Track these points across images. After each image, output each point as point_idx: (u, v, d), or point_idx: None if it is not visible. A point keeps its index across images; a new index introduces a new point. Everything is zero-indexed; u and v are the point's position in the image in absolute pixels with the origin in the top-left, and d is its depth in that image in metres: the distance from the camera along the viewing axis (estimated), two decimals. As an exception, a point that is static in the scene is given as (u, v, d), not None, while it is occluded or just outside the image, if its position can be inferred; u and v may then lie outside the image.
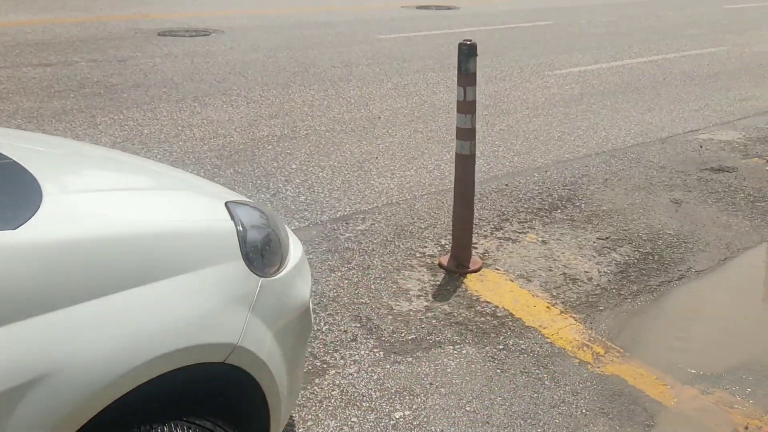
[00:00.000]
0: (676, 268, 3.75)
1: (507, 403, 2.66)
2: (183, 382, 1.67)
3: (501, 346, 3.02)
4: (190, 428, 1.69)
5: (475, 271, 3.62)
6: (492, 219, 4.29)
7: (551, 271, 3.68)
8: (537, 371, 2.86)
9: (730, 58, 10.12)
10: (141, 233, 1.69)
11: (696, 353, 3.05)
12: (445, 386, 2.74)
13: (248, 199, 2.24)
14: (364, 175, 4.99)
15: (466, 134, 3.46)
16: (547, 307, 3.34)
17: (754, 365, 2.93)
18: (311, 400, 2.63)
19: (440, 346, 2.99)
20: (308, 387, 2.70)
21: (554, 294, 3.45)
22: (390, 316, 3.20)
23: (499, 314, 3.26)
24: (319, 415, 2.55)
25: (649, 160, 5.52)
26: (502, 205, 4.50)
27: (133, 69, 7.94)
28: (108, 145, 5.38)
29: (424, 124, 6.24)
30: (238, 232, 1.92)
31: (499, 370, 2.86)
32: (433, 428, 2.51)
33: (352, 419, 2.54)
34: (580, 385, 2.78)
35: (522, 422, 2.57)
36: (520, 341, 3.06)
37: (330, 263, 3.67)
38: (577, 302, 3.39)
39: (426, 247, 3.89)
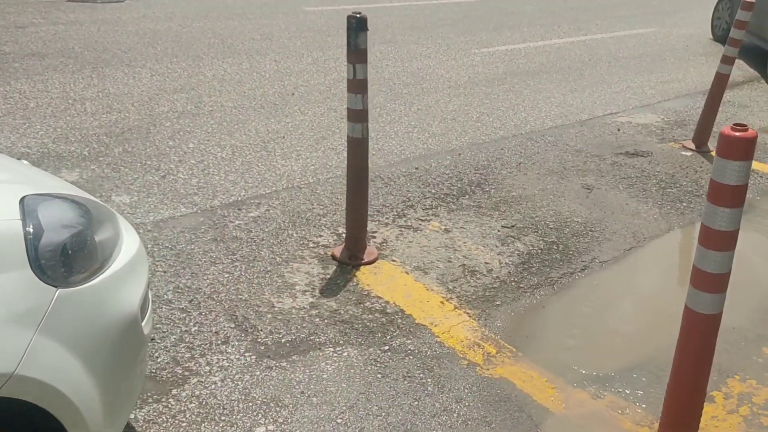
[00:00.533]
0: (579, 259, 3.60)
1: (384, 413, 2.44)
2: None
3: (386, 347, 2.80)
4: None
5: (370, 263, 3.39)
6: (396, 205, 4.06)
7: (450, 262, 3.47)
8: (421, 375, 2.65)
9: (657, 40, 10.13)
10: None
11: (590, 353, 2.89)
12: (318, 395, 2.50)
13: (68, 192, 1.92)
14: (266, 156, 4.68)
15: (358, 116, 3.19)
16: (441, 302, 3.14)
17: (648, 365, 2.80)
18: (163, 415, 2.35)
19: (320, 349, 2.75)
20: (162, 399, 2.42)
21: (450, 288, 3.25)
22: (270, 315, 2.94)
23: (389, 310, 3.04)
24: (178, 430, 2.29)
25: (566, 143, 5.38)
26: (408, 191, 4.28)
27: (32, 36, 7.39)
28: (-14, 119, 4.92)
29: (339, 102, 5.95)
30: (26, 234, 1.61)
31: (380, 375, 2.64)
32: (298, 444, 2.28)
33: (231, 428, 2.29)
34: (466, 391, 2.59)
35: (397, 435, 2.36)
36: (408, 341, 2.85)
37: (212, 255, 3.38)
38: (474, 297, 3.20)
39: (321, 236, 3.63)
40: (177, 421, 2.33)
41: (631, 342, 2.99)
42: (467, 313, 3.07)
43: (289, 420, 2.37)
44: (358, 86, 3.14)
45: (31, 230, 1.64)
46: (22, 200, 1.69)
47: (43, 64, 6.34)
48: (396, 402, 2.50)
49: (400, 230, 3.76)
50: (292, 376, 2.59)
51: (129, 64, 6.62)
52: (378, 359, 2.72)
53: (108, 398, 1.75)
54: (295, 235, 3.63)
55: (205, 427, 2.31)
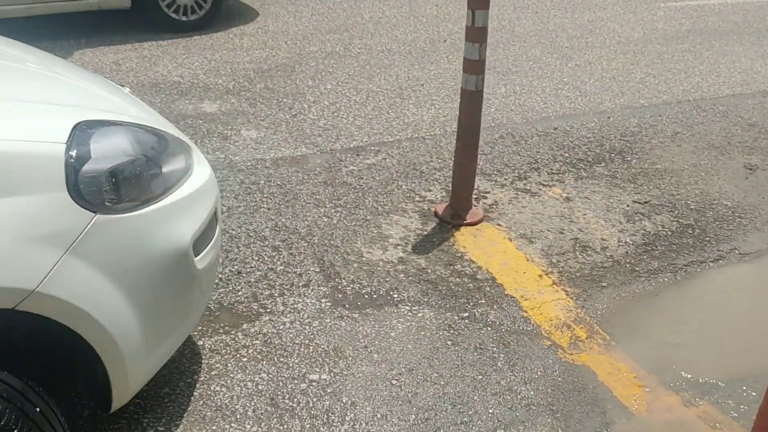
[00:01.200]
0: (716, 248, 3.18)
1: (442, 382, 2.33)
2: None
3: (465, 314, 2.66)
4: None
5: (473, 224, 3.22)
6: (519, 166, 3.82)
7: (562, 234, 3.21)
8: (494, 349, 2.49)
9: None
10: None
11: (697, 354, 2.56)
12: (381, 352, 2.44)
13: (130, 119, 1.94)
14: (399, 103, 4.59)
15: (474, 66, 3.00)
16: (539, 276, 2.92)
17: (763, 379, 2.43)
18: (228, 347, 2.42)
19: (396, 305, 2.68)
20: (232, 332, 2.49)
21: (554, 261, 3.02)
22: (356, 264, 2.91)
23: (479, 276, 2.88)
24: (229, 365, 2.34)
25: (739, 115, 4.74)
26: (538, 152, 4.00)
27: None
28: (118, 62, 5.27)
29: (492, 52, 5.69)
30: (67, 159, 1.64)
31: (450, 342, 2.52)
32: (343, 399, 2.24)
33: (261, 375, 2.31)
34: (539, 373, 2.40)
35: (449, 407, 2.24)
36: (491, 311, 2.69)
37: (318, 197, 3.39)
38: (578, 274, 2.94)
39: (430, 191, 3.51)
40: (239, 355, 2.39)
41: (749, 350, 2.60)
42: (565, 291, 2.84)
43: (344, 372, 2.34)
44: (476, 34, 2.94)
45: (74, 155, 1.68)
46: (76, 125, 1.74)
47: None
48: (459, 372, 2.38)
49: (516, 193, 3.54)
50: (360, 329, 2.55)
51: (293, 2, 6.78)
52: (453, 325, 2.60)
53: (148, 328, 1.80)
54: (404, 186, 3.54)
55: (262, 366, 2.35)
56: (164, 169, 1.91)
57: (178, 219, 1.88)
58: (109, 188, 1.72)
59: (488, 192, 3.54)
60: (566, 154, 4.00)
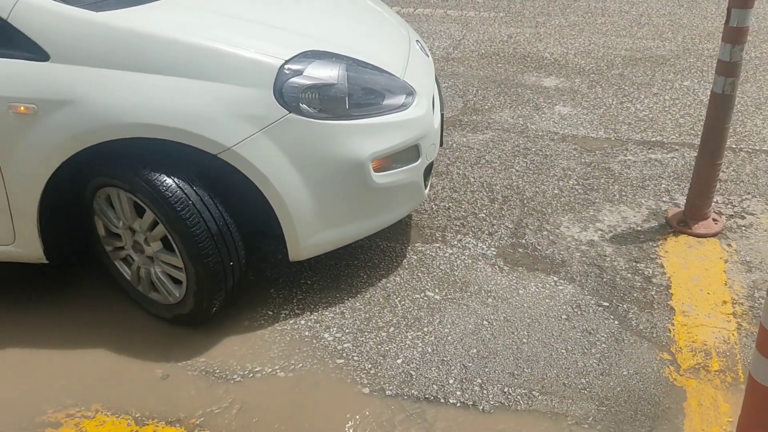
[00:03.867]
0: None
1: (524, 341, 2.48)
2: (194, 156, 2.27)
3: (606, 304, 2.66)
4: (194, 183, 2.32)
5: (699, 236, 3.01)
6: (828, 201, 3.24)
7: (798, 275, 2.76)
8: (601, 340, 2.48)
9: None
10: (199, 45, 2.27)
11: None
12: (497, 300, 2.68)
13: (360, 57, 2.49)
14: (752, 111, 4.20)
15: (726, 68, 2.77)
16: (724, 302, 2.65)
17: None
18: (393, 253, 2.98)
19: (548, 273, 2.82)
20: (407, 244, 3.03)
21: (756, 296, 2.66)
22: (547, 233, 3.09)
23: (655, 280, 2.77)
24: (381, 264, 2.91)
25: None
26: None
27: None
28: None
29: None
30: (281, 70, 2.30)
31: (565, 317, 2.59)
32: (435, 317, 2.60)
33: (396, 278, 2.82)
34: (623, 373, 2.33)
35: (509, 360, 2.40)
36: (635, 311, 2.62)
37: (569, 172, 3.56)
38: (775, 317, 2.56)
39: (685, 194, 3.32)
40: (395, 261, 2.94)
41: None
42: (739, 325, 2.54)
43: (455, 301, 2.68)
44: (732, 35, 2.72)
45: (287, 70, 2.30)
46: (306, 52, 2.38)
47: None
48: (548, 341, 2.49)
49: (787, 224, 3.08)
50: (499, 278, 2.81)
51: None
52: (583, 306, 2.65)
53: (318, 210, 2.39)
54: (663, 185, 3.42)
55: (403, 273, 2.86)
56: (374, 99, 2.46)
57: (365, 137, 2.39)
58: (307, 99, 2.31)
59: (754, 213, 3.18)
60: None
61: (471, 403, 2.25)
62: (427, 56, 3.13)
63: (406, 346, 2.48)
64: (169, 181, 2.28)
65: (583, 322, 2.59)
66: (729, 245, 2.98)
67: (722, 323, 2.57)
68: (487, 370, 2.37)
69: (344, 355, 2.45)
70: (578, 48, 5.31)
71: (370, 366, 2.39)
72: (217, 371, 2.37)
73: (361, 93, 2.45)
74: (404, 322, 2.59)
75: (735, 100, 2.89)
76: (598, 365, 2.39)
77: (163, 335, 2.54)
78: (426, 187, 2.72)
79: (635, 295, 2.72)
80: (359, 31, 2.92)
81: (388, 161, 2.48)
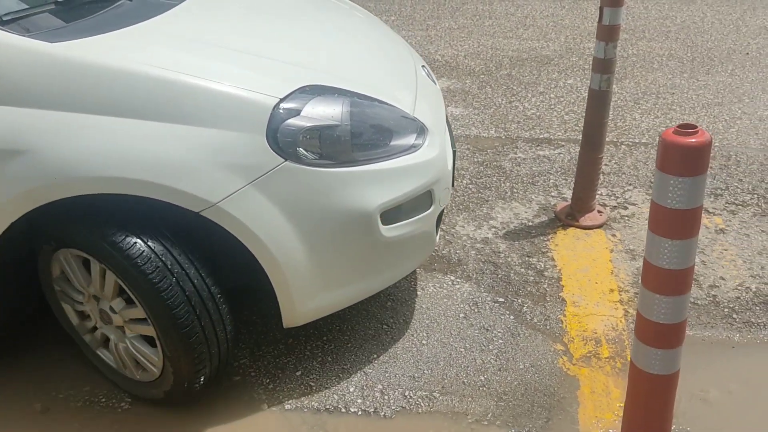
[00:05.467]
0: None
1: (423, 341, 2.49)
2: (170, 212, 1.91)
3: (501, 300, 2.71)
4: (173, 250, 1.95)
5: (585, 228, 3.12)
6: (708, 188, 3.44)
7: (677, 260, 2.91)
8: (497, 335, 2.52)
9: None
10: (175, 81, 1.89)
11: (722, 420, 2.21)
12: (396, 302, 2.68)
13: (363, 91, 2.14)
14: (631, 107, 4.41)
15: (602, 65, 2.90)
16: (611, 290, 2.76)
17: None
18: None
19: (445, 273, 2.85)
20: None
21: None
22: (442, 233, 3.12)
23: (546, 274, 2.86)
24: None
25: None
26: (741, 179, 3.53)
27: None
28: None
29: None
30: (275, 111, 1.93)
31: (462, 315, 2.62)
32: (336, 319, 2.59)
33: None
34: (519, 367, 2.37)
35: (407, 361, 2.40)
36: (529, 304, 2.68)
37: (463, 172, 3.62)
38: (658, 301, 2.68)
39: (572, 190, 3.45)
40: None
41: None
42: (626, 311, 2.65)
43: (350, 311, 2.61)
44: (605, 32, 2.84)
45: (282, 110, 1.94)
46: (302, 87, 2.01)
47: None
48: (446, 340, 2.51)
49: (667, 212, 3.25)
50: (398, 281, 2.82)
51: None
52: (480, 303, 2.70)
53: (318, 271, 2.03)
54: (552, 181, 3.54)
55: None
56: (382, 140, 2.11)
57: (372, 186, 2.03)
58: (306, 143, 1.95)
59: (636, 203, 3.33)
60: (775, 188, 3.45)
61: (372, 410, 2.23)
62: (434, 83, 2.79)
63: (306, 357, 2.43)
64: (139, 243, 1.91)
65: (480, 319, 2.63)
66: (614, 235, 3.11)
67: (610, 311, 2.67)
68: (387, 375, 2.37)
69: (240, 371, 2.38)
70: (468, 50, 5.43)
71: (268, 381, 2.34)
72: (103, 400, 2.25)
73: (368, 134, 2.11)
74: (303, 333, 2.54)
75: (612, 95, 3.02)
76: (496, 361, 2.43)
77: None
78: (437, 235, 2.40)
79: (529, 289, 2.79)
80: (361, 58, 2.54)
81: (397, 211, 2.13)
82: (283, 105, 1.95)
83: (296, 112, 1.96)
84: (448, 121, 2.67)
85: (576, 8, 6.44)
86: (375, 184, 2.04)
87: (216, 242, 2.00)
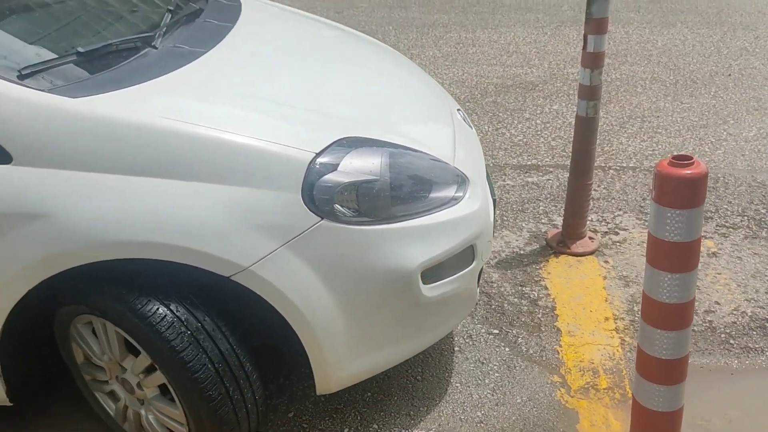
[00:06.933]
0: None
1: (418, 378, 2.44)
2: (195, 276, 1.80)
3: (496, 332, 2.66)
4: (195, 314, 1.85)
5: (577, 255, 3.10)
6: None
7: (671, 286, 2.88)
8: (493, 368, 2.47)
9: None
10: (203, 136, 1.81)
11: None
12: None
13: (403, 142, 2.05)
14: (617, 130, 4.42)
15: (588, 92, 2.90)
16: (606, 318, 2.73)
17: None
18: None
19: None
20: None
21: (636, 309, 2.76)
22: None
23: (540, 303, 2.82)
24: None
25: None
26: (730, 201, 3.52)
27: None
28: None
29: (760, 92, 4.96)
30: (311, 167, 1.83)
31: (457, 348, 2.58)
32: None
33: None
34: (517, 401, 2.33)
35: (401, 397, 2.36)
36: (524, 335, 2.63)
37: (453, 201, 3.60)
38: (654, 329, 2.65)
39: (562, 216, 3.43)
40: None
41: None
42: (622, 340, 2.62)
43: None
44: (589, 59, 2.85)
45: (318, 165, 1.84)
46: (338, 140, 1.91)
47: (524, 18, 6.99)
48: (442, 375, 2.46)
49: (658, 237, 3.23)
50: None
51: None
52: (474, 336, 2.65)
53: (355, 335, 1.92)
54: (542, 208, 3.52)
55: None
56: (422, 194, 2.00)
57: (412, 243, 1.91)
58: (343, 199, 1.86)
59: (627, 228, 3.32)
60: (762, 211, 3.44)
61: (368, 450, 2.17)
62: (470, 128, 2.69)
63: (297, 397, 2.37)
64: (163, 310, 1.81)
65: (475, 352, 2.58)
66: (606, 262, 3.09)
67: (606, 340, 2.63)
68: (382, 413, 2.31)
69: (232, 414, 2.31)
70: (453, 78, 5.44)
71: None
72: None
73: (407, 187, 2.00)
74: (295, 372, 2.48)
75: (599, 121, 3.01)
76: (493, 395, 2.38)
77: None
78: (477, 289, 2.26)
79: (523, 319, 2.75)
80: (397, 105, 2.45)
81: (438, 269, 2.00)
82: (320, 160, 1.85)
83: (333, 167, 1.86)
84: (487, 168, 2.56)
85: (558, 34, 6.49)
86: (415, 241, 1.92)
87: (244, 304, 1.89)
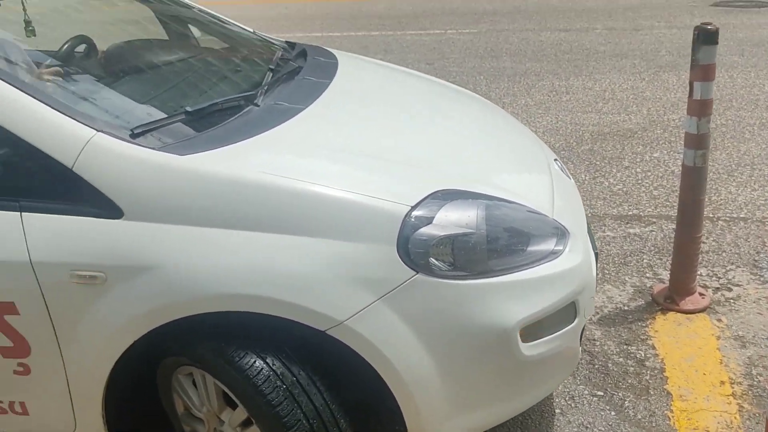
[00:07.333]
0: None
1: (520, 441, 2.33)
2: (291, 330, 1.81)
3: (600, 393, 2.52)
4: (290, 368, 1.85)
5: (687, 312, 2.91)
6: (814, 267, 3.18)
7: (794, 348, 2.65)
8: (600, 433, 2.34)
9: None
10: (302, 191, 1.82)
11: None
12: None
13: (496, 195, 2.01)
14: (725, 179, 4.19)
15: (695, 141, 2.76)
16: (722, 382, 2.52)
17: None
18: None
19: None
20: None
21: (754, 373, 2.55)
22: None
23: (648, 364, 2.65)
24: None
25: None
26: None
27: (645, 38, 7.87)
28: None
29: None
30: (406, 220, 1.83)
31: (559, 411, 2.45)
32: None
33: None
34: (628, 471, 2.18)
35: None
36: (632, 398, 2.48)
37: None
38: (776, 395, 2.44)
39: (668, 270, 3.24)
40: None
41: None
42: (740, 407, 2.41)
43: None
44: (697, 108, 2.71)
45: (413, 218, 1.83)
46: (434, 193, 1.90)
47: (620, 64, 6.84)
48: (543, 439, 2.34)
49: (776, 293, 3.00)
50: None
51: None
52: (576, 397, 2.51)
53: (451, 394, 1.87)
54: (645, 261, 3.35)
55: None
56: (520, 247, 1.95)
57: (510, 299, 1.87)
58: (438, 253, 1.83)
59: (740, 284, 3.10)
60: None
61: None
62: (569, 178, 2.62)
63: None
64: (260, 364, 1.82)
65: (578, 415, 2.44)
66: (719, 320, 2.88)
67: (722, 406, 2.44)
68: (480, 478, 2.21)
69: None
70: (546, 126, 5.35)
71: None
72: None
73: (504, 240, 1.95)
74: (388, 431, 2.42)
75: (707, 171, 2.86)
76: (598, 465, 2.24)
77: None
78: (580, 348, 2.17)
79: (629, 381, 2.59)
80: (493, 156, 2.44)
81: (538, 327, 1.94)
82: (415, 213, 1.84)
83: (428, 220, 1.85)
84: (587, 220, 2.48)
85: (657, 80, 6.30)
86: (513, 296, 1.87)
87: (338, 359, 1.86)
